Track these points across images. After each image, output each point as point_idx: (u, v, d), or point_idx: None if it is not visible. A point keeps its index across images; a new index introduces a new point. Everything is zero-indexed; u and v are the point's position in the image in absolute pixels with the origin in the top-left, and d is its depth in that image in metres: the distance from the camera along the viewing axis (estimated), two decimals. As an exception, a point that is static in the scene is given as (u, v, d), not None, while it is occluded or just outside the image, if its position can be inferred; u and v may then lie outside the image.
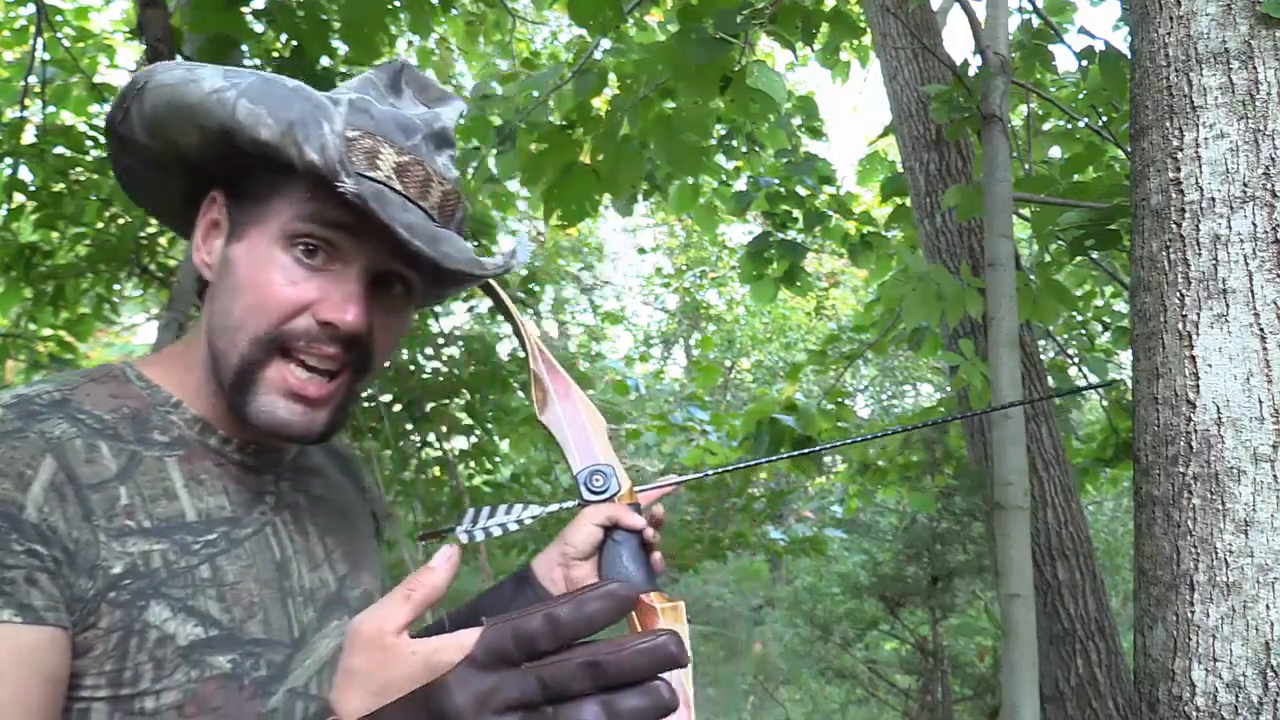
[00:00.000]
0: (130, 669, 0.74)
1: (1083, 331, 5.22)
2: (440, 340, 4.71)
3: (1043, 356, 4.50)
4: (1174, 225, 1.31)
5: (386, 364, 0.98)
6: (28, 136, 3.71)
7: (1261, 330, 1.21)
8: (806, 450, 1.12)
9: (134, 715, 0.74)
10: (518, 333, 1.00)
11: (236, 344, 0.82)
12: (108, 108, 0.85)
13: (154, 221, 3.72)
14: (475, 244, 0.94)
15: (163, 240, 3.94)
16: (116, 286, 4.15)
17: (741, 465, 1.10)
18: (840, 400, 4.96)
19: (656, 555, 1.01)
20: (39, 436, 0.75)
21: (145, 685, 0.75)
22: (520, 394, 4.70)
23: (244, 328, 0.81)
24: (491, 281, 0.98)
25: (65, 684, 0.73)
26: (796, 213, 4.71)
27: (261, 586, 0.83)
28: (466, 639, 0.56)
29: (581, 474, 0.95)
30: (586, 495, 0.95)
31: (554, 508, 1.00)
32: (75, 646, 0.73)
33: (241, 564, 0.82)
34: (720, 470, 1.11)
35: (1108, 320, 5.28)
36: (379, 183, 0.81)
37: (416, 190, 0.84)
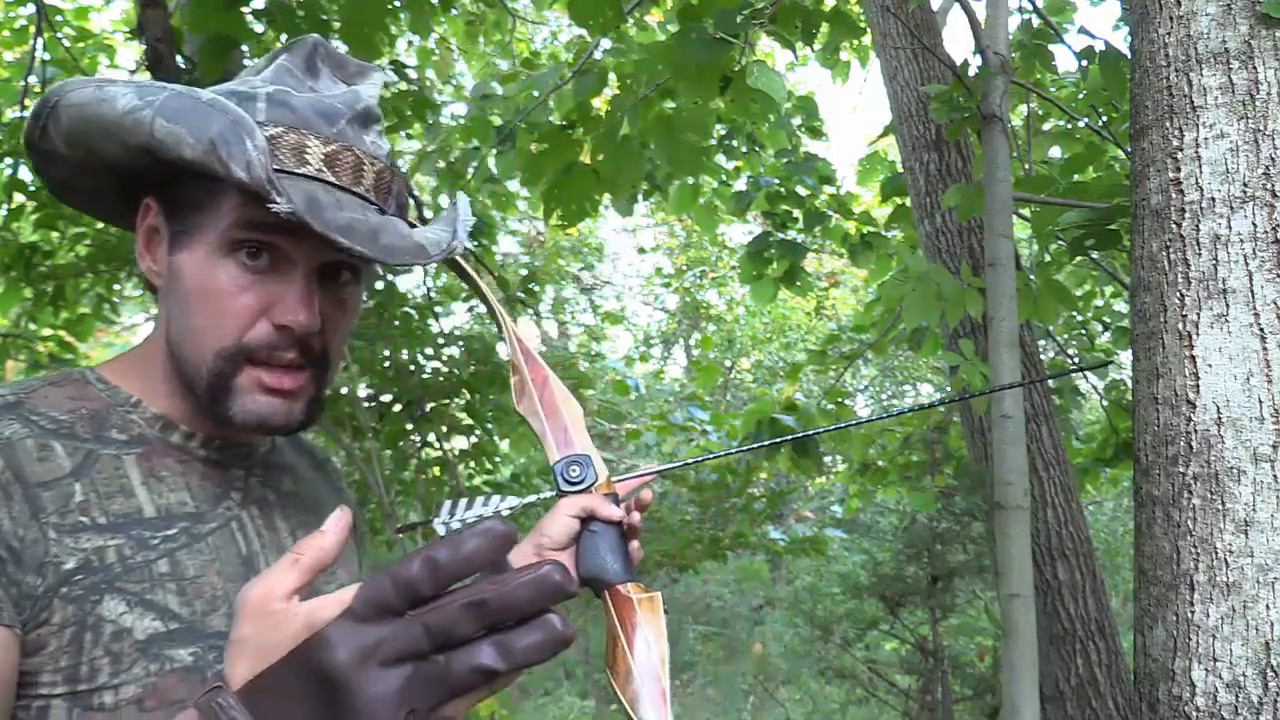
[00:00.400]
0: (86, 664, 0.74)
1: (1083, 331, 5.22)
2: (440, 340, 4.71)
3: (1043, 356, 4.50)
4: (1174, 225, 1.31)
5: (343, 354, 0.98)
6: (28, 136, 3.71)
7: (1261, 330, 1.21)
8: (791, 438, 1.12)
9: (93, 710, 0.74)
10: (496, 320, 0.99)
11: (203, 356, 0.83)
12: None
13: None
14: (448, 231, 0.89)
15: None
16: (116, 286, 4.15)
17: (719, 455, 1.09)
18: (840, 400, 4.96)
19: (634, 544, 1.01)
20: None
21: (103, 680, 0.75)
22: (520, 394, 4.70)
23: (205, 339, 0.83)
24: (466, 267, 0.99)
25: (13, 683, 0.73)
26: (796, 213, 4.71)
27: (226, 580, 0.83)
28: (347, 593, 0.54)
29: (558, 464, 0.94)
30: (563, 485, 0.94)
31: (531, 499, 0.99)
32: (28, 644, 0.73)
33: (204, 558, 0.83)
34: (699, 460, 1.10)
35: (1108, 320, 5.28)
36: (310, 178, 0.82)
37: (349, 177, 0.84)
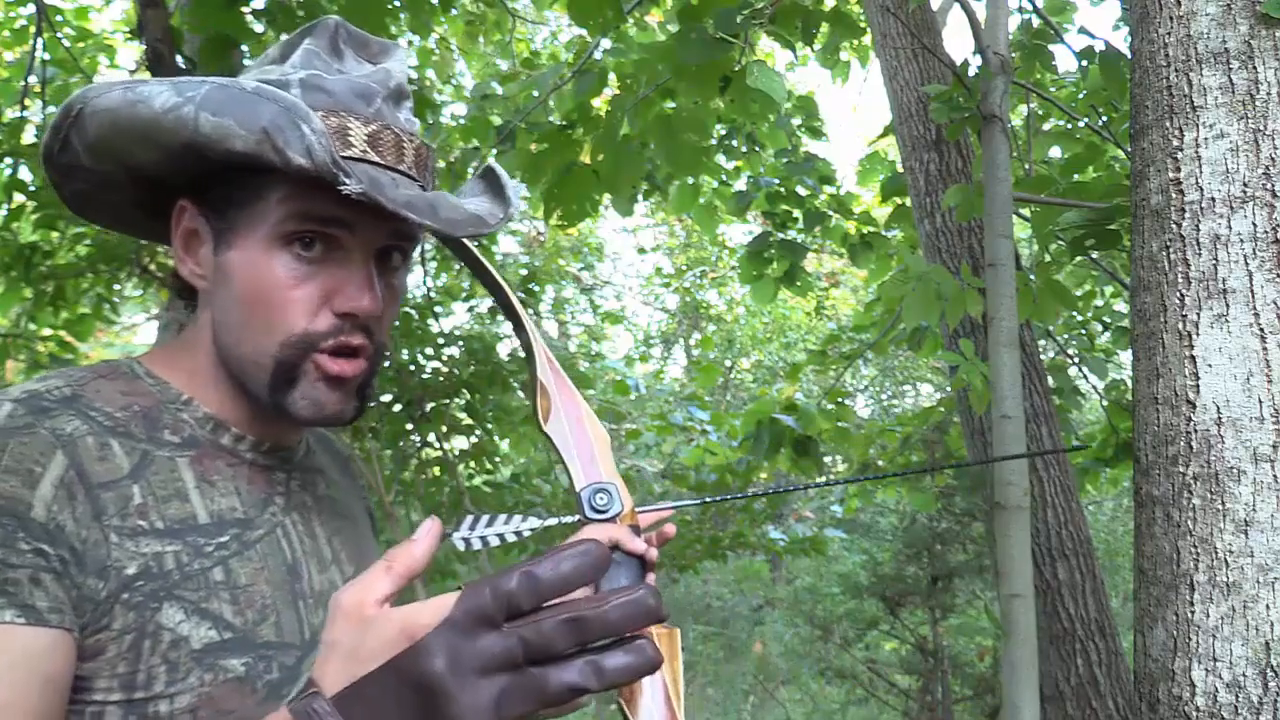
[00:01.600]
0: (143, 672, 0.74)
1: (1083, 331, 5.22)
2: (440, 340, 4.71)
3: (1043, 356, 4.50)
4: (1174, 225, 1.31)
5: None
6: (28, 136, 3.71)
7: (1261, 330, 1.21)
8: (798, 488, 1.12)
9: (148, 718, 0.74)
10: (523, 337, 0.98)
11: (264, 350, 0.81)
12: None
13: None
14: (497, 202, 0.91)
15: (163, 240, 3.93)
16: (116, 286, 4.15)
17: (738, 497, 1.09)
18: (840, 400, 4.96)
19: (651, 577, 1.01)
20: (49, 433, 0.73)
21: (159, 688, 0.74)
22: (520, 394, 4.70)
23: (266, 335, 0.81)
24: (502, 284, 0.98)
25: (67, 687, 0.72)
26: (796, 213, 4.71)
27: (273, 589, 0.83)
28: (444, 601, 0.55)
29: (585, 491, 0.93)
30: (589, 513, 0.94)
31: (552, 521, 0.99)
32: (86, 649, 0.72)
33: (253, 566, 0.82)
34: (717, 499, 1.10)
35: (1108, 320, 5.28)
36: (356, 159, 0.81)
37: (393, 156, 0.83)
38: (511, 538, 0.96)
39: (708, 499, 1.09)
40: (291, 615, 0.84)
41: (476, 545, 0.96)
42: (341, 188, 0.74)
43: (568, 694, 0.53)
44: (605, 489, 0.93)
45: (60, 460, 0.73)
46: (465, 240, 0.87)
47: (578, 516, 0.95)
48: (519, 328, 0.98)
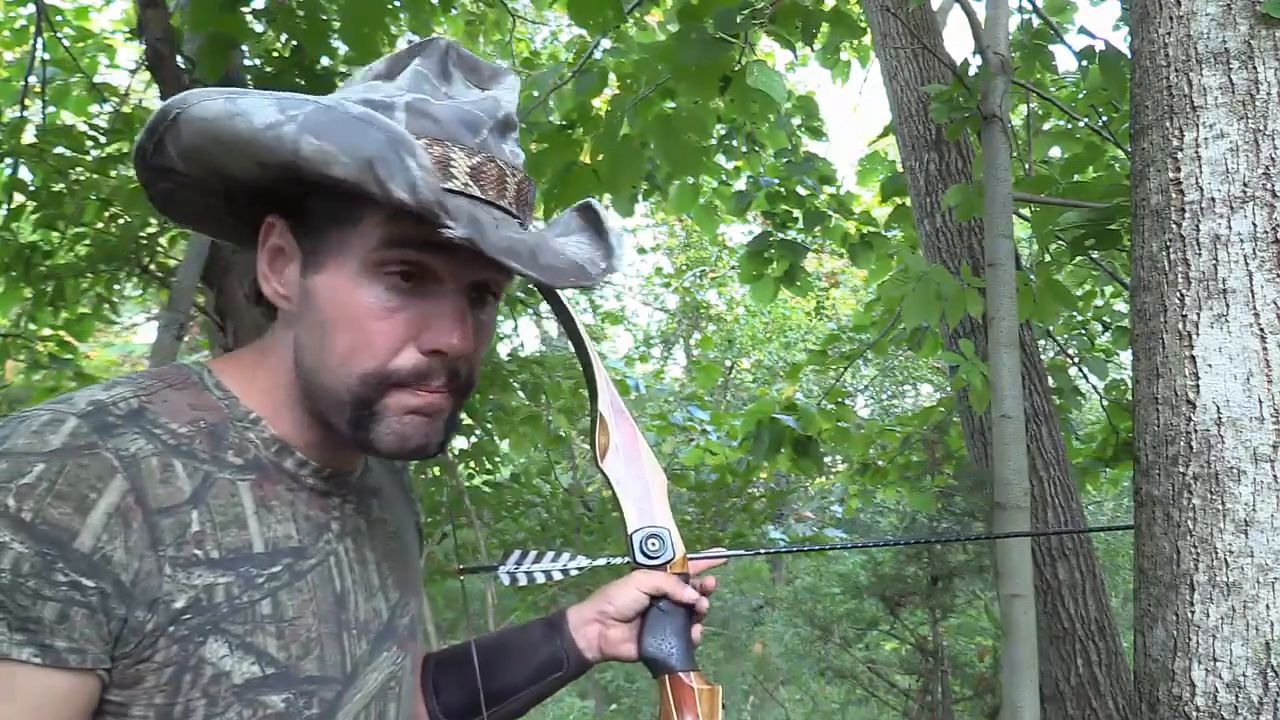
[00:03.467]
0: (181, 704, 0.72)
1: (1083, 331, 5.22)
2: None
3: (1043, 356, 4.50)
4: (1174, 225, 1.31)
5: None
6: (28, 136, 3.71)
7: (1261, 330, 1.21)
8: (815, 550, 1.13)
9: None
10: (588, 371, 0.95)
11: (344, 382, 0.78)
12: (141, 134, 0.79)
13: (154, 221, 3.73)
14: (598, 247, 0.85)
15: (163, 240, 3.94)
16: (116, 286, 4.14)
17: (790, 550, 1.10)
18: (840, 400, 4.96)
19: (697, 629, 0.99)
20: (112, 454, 0.71)
21: None
22: (521, 394, 4.70)
23: (348, 366, 0.78)
24: (577, 324, 0.96)
25: None
26: (796, 213, 4.71)
27: (320, 621, 0.81)
28: None
29: (637, 534, 0.92)
30: (639, 558, 0.92)
31: (601, 562, 0.97)
32: (126, 677, 0.71)
33: (302, 598, 0.80)
34: (767, 552, 1.11)
35: (1108, 320, 5.28)
36: (456, 192, 0.77)
37: (494, 190, 0.80)
38: (558, 576, 0.95)
39: (763, 551, 1.10)
40: (335, 648, 0.82)
41: (522, 581, 0.95)
42: (444, 230, 0.71)
43: None
44: (657, 534, 0.92)
45: (119, 485, 0.70)
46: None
47: (628, 559, 0.95)
48: (585, 363, 0.96)
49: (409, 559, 0.97)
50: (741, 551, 1.06)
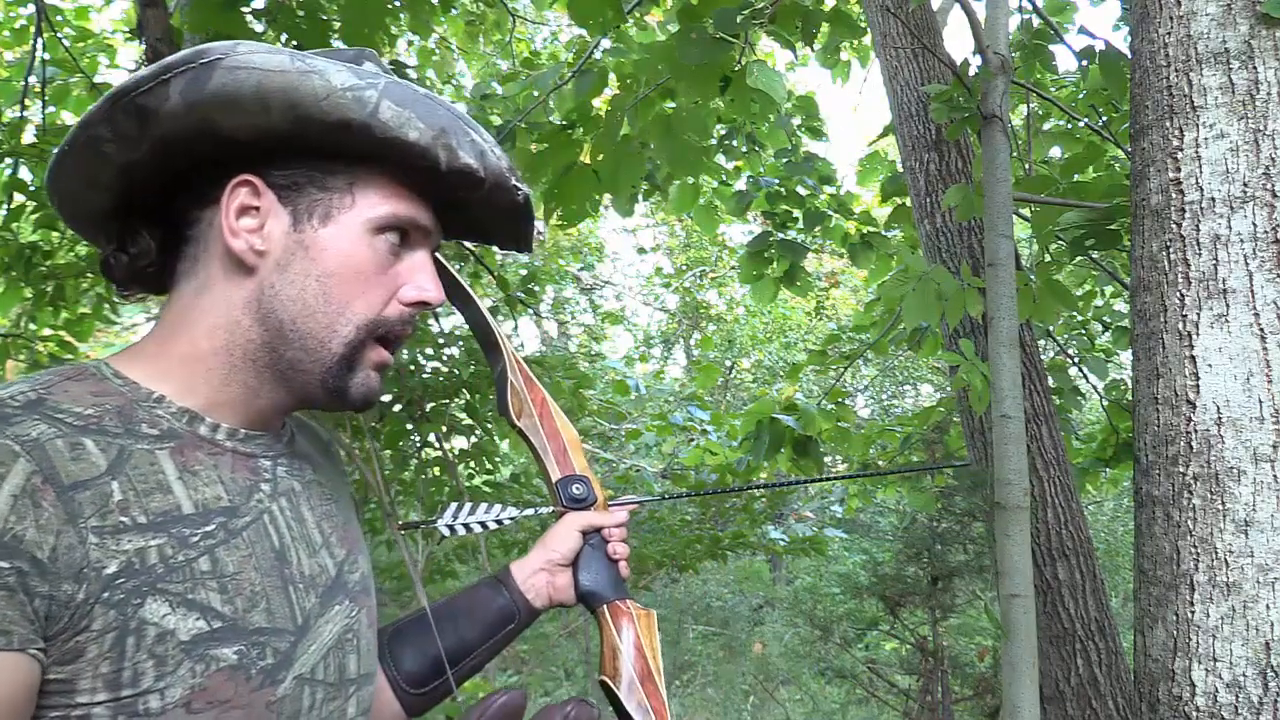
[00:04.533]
0: (129, 668, 0.73)
1: (1083, 331, 5.23)
2: (440, 340, 4.71)
3: (1043, 356, 4.50)
4: (1174, 225, 1.31)
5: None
6: (28, 136, 3.71)
7: (1261, 330, 1.21)
8: (778, 485, 1.13)
9: (139, 716, 0.73)
10: (487, 337, 1.04)
11: (338, 330, 0.86)
12: (129, 75, 0.85)
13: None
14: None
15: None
16: (116, 286, 4.14)
17: (708, 493, 1.17)
18: (840, 400, 4.96)
19: (623, 565, 1.05)
20: (12, 440, 0.71)
21: (147, 684, 0.73)
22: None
23: (346, 314, 0.86)
24: (465, 286, 1.06)
25: (25, 709, 0.70)
26: (796, 213, 4.71)
27: (262, 575, 0.82)
28: None
29: (561, 482, 1.00)
30: (567, 502, 0.99)
31: (529, 512, 1.04)
32: (64, 654, 0.71)
33: (241, 554, 0.81)
34: (686, 495, 1.17)
35: (1108, 320, 5.28)
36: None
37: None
38: (493, 525, 1.00)
39: (684, 494, 1.15)
40: (282, 600, 0.83)
41: (460, 533, 1.01)
42: (514, 193, 0.90)
43: None
44: (581, 480, 1.01)
45: (22, 468, 0.71)
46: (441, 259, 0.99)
47: (555, 509, 1.01)
48: (485, 331, 1.04)
49: (350, 520, 1.00)
50: (659, 496, 1.14)
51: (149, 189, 0.88)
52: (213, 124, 0.82)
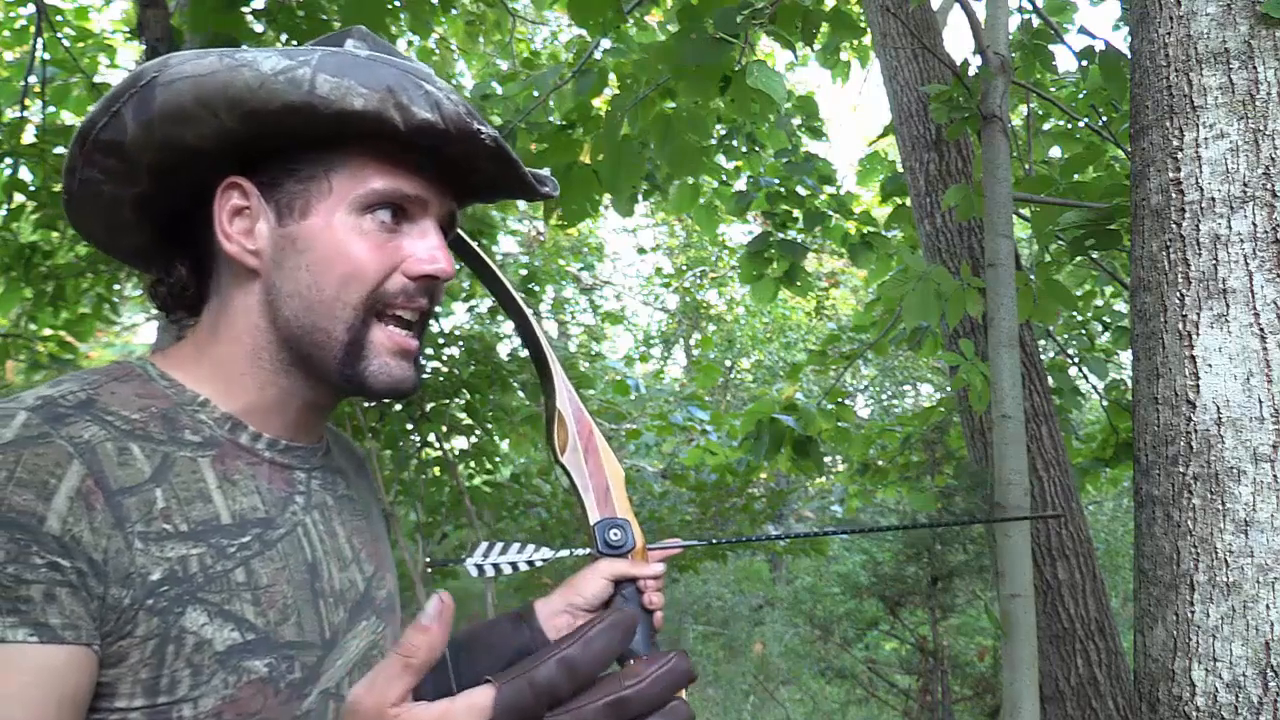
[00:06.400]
0: (167, 676, 0.73)
1: (1083, 331, 5.23)
2: (440, 340, 4.71)
3: (1043, 356, 4.50)
4: (1174, 225, 1.31)
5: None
6: (28, 136, 3.71)
7: (1261, 330, 1.21)
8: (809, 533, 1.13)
9: None
10: (543, 368, 0.98)
11: (337, 314, 0.83)
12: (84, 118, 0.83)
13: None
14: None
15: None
16: (116, 286, 4.14)
17: (751, 540, 1.11)
18: (840, 400, 4.96)
19: (658, 615, 1.02)
20: (66, 441, 0.72)
21: (182, 692, 0.73)
22: (521, 394, 4.70)
23: (340, 298, 0.83)
24: (531, 319, 1.01)
25: (86, 703, 0.71)
26: (796, 213, 4.71)
27: (294, 589, 0.82)
28: (480, 700, 0.56)
29: (599, 525, 0.95)
30: (602, 548, 0.95)
31: (567, 553, 1.00)
32: (108, 657, 0.71)
33: (275, 566, 0.81)
34: (727, 541, 1.12)
35: (1108, 320, 5.28)
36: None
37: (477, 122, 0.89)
38: (524, 567, 0.96)
39: (714, 541, 1.10)
40: (312, 614, 0.84)
41: (490, 573, 0.97)
42: (480, 135, 0.81)
43: None
44: (619, 525, 0.95)
45: (77, 470, 0.71)
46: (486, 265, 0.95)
47: (590, 550, 0.97)
48: (540, 360, 0.99)
49: (379, 537, 0.99)
50: (696, 540, 1.08)
51: (174, 218, 0.88)
52: (176, 139, 0.81)
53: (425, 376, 4.57)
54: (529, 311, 1.00)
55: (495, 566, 0.95)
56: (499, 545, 0.96)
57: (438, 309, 0.91)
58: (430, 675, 1.06)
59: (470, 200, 0.96)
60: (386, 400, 0.89)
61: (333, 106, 0.78)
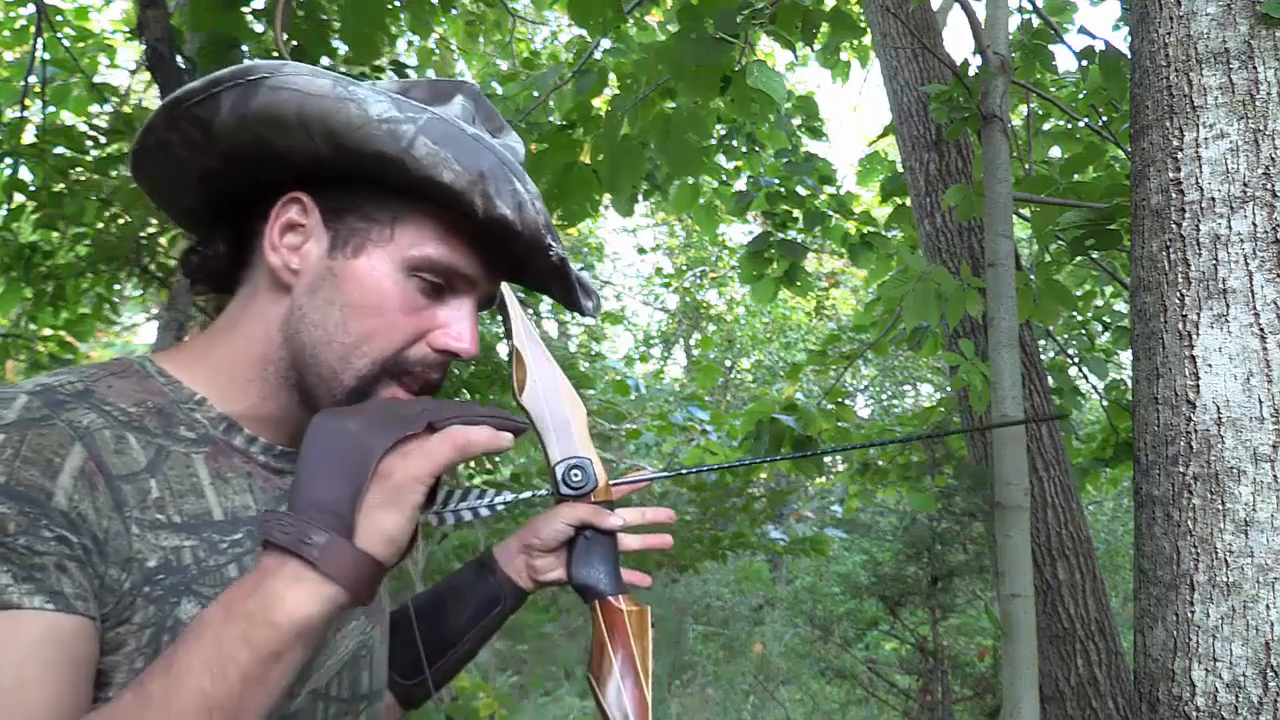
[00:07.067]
0: None
1: (1083, 331, 5.23)
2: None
3: (1043, 356, 4.50)
4: (1174, 225, 1.31)
5: None
6: (28, 136, 3.71)
7: (1261, 330, 1.21)
8: (798, 454, 1.12)
9: None
10: (502, 309, 0.97)
11: (351, 362, 0.83)
12: (179, 89, 0.83)
13: (154, 221, 3.72)
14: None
15: (163, 240, 3.94)
16: (116, 286, 4.14)
17: (717, 468, 1.10)
18: (840, 400, 4.96)
19: (667, 538, 1.03)
20: (66, 425, 0.73)
21: None
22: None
23: (362, 348, 0.82)
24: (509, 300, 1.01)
25: (93, 675, 0.71)
26: (796, 213, 4.71)
27: None
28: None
29: (560, 466, 0.93)
30: (563, 490, 0.94)
31: (527, 495, 1.00)
32: (106, 642, 0.72)
33: None
34: (694, 470, 1.11)
35: (1108, 320, 5.28)
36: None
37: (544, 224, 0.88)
38: (485, 512, 0.96)
39: (680, 471, 1.09)
40: None
41: (450, 520, 0.97)
42: (548, 252, 0.84)
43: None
44: (580, 465, 0.94)
45: (79, 451, 0.72)
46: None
47: (551, 492, 0.96)
48: (499, 300, 0.98)
49: None
50: (665, 473, 1.07)
51: (230, 198, 0.89)
52: (266, 141, 0.82)
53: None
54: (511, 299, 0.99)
55: (455, 514, 0.95)
56: (459, 492, 0.96)
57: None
58: (404, 631, 1.05)
59: (517, 281, 0.97)
60: None
61: (423, 171, 0.79)
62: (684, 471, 1.09)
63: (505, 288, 0.97)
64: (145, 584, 0.73)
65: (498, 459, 5.25)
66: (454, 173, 0.78)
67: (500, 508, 0.96)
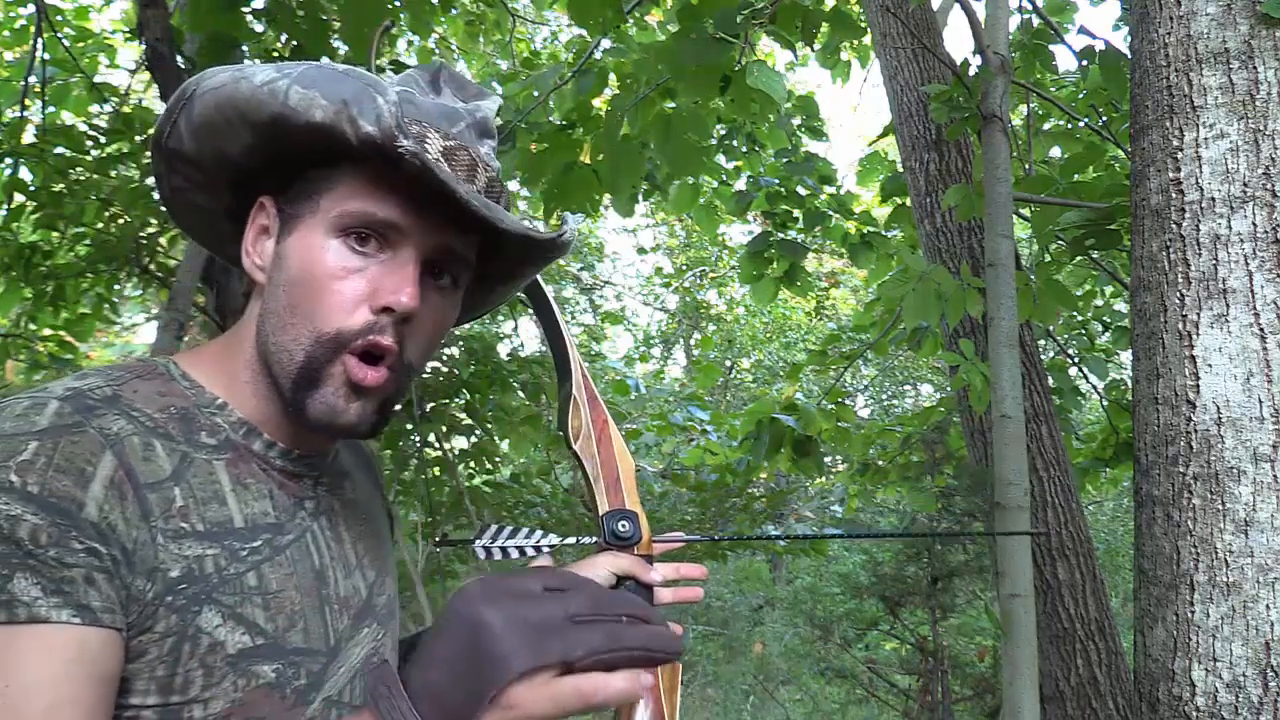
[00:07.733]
0: (181, 675, 0.73)
1: (1083, 331, 5.23)
2: (440, 340, 4.70)
3: (1043, 356, 4.50)
4: (1174, 225, 1.31)
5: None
6: (28, 136, 3.71)
7: (1261, 330, 1.21)
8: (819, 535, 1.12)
9: None
10: (560, 352, 0.97)
11: (299, 340, 0.81)
12: (155, 121, 0.86)
13: (154, 221, 3.72)
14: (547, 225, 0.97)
15: (163, 240, 3.94)
16: (116, 286, 4.14)
17: (760, 539, 1.10)
18: (840, 400, 4.96)
19: (677, 629, 1.01)
20: (97, 432, 0.73)
21: (194, 693, 0.74)
22: (520, 394, 4.70)
23: (304, 324, 0.81)
24: (544, 289, 0.99)
25: (116, 688, 0.71)
26: (796, 213, 4.71)
27: (302, 595, 0.83)
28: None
29: (608, 517, 0.94)
30: (609, 539, 0.94)
31: (572, 540, 0.99)
32: (130, 650, 0.72)
33: (284, 572, 0.82)
34: (733, 538, 1.12)
35: (1108, 320, 5.28)
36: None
37: (464, 174, 0.83)
38: (531, 552, 0.96)
39: (714, 537, 1.10)
40: (318, 621, 0.84)
41: (497, 556, 0.97)
42: (397, 146, 0.75)
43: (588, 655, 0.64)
44: (627, 517, 0.94)
45: (109, 460, 0.72)
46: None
47: (598, 539, 0.96)
48: (558, 346, 0.98)
49: (382, 540, 1.00)
50: (699, 536, 1.08)
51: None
52: (220, 152, 0.84)
53: (425, 376, 4.57)
54: (551, 295, 0.99)
55: (503, 550, 0.95)
56: (507, 529, 0.96)
57: (412, 351, 0.84)
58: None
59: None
60: (330, 435, 0.87)
61: (300, 117, 0.77)
62: (717, 538, 1.10)
63: (567, 334, 0.96)
64: (168, 593, 0.73)
65: (497, 459, 5.24)
66: (321, 107, 0.77)
67: (546, 550, 0.96)
